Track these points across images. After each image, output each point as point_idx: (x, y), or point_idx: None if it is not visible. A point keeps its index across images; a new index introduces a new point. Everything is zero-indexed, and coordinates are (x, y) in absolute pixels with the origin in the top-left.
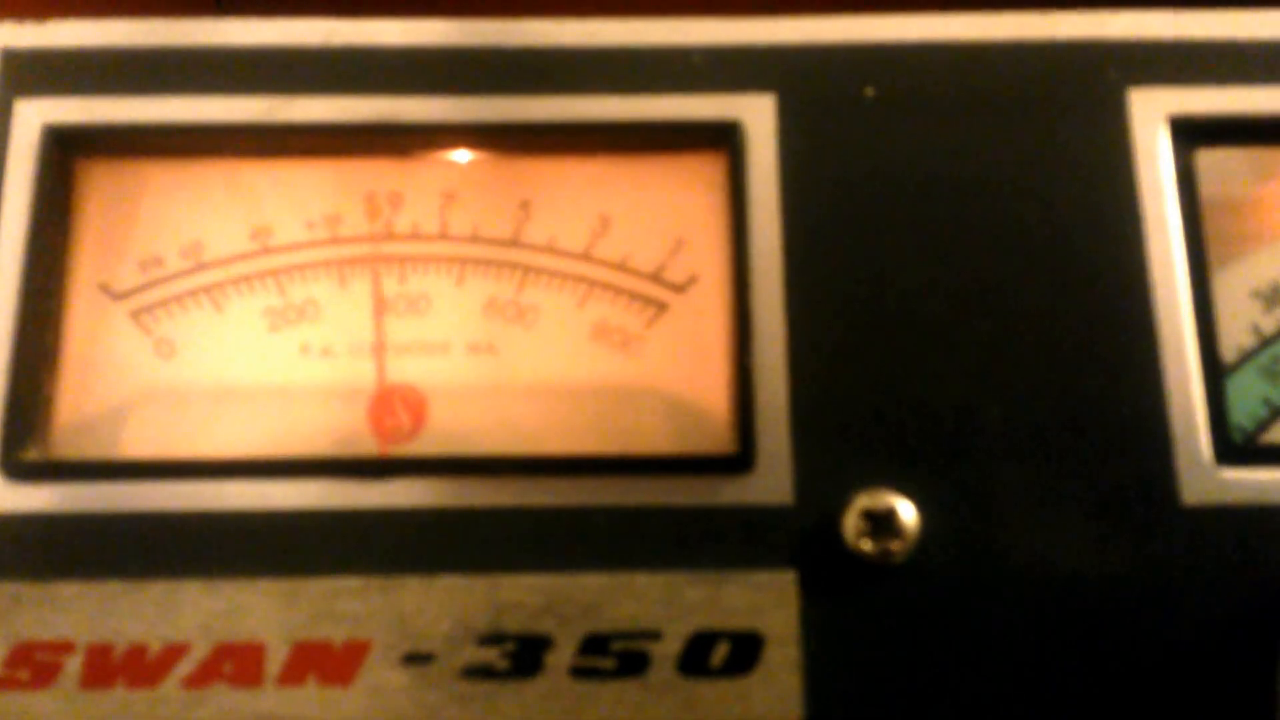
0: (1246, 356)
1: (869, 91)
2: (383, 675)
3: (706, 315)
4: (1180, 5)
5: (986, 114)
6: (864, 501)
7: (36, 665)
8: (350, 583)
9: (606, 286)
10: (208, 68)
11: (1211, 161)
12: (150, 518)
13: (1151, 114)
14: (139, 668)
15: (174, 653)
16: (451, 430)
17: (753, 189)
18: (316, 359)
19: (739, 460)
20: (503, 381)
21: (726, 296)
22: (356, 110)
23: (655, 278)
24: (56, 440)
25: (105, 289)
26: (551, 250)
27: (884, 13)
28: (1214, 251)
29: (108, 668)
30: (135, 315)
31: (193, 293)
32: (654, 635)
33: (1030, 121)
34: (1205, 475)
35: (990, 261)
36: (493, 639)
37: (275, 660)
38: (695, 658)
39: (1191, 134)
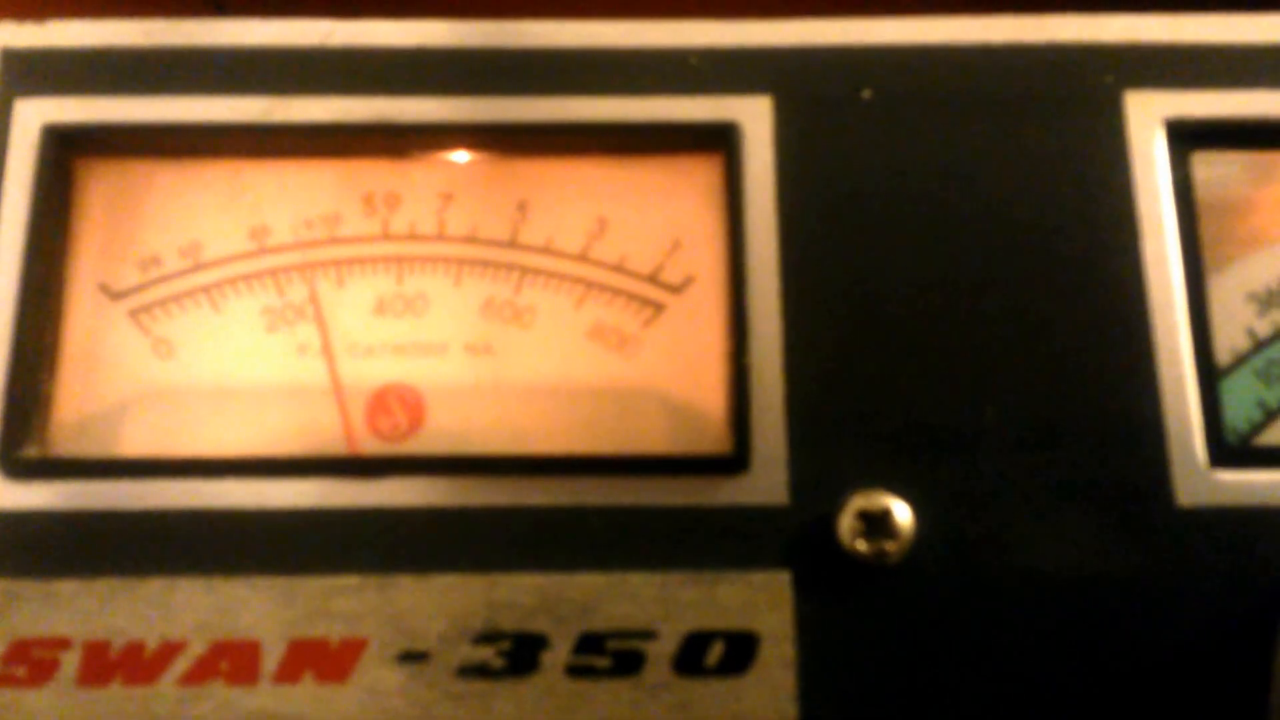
0: (1241, 359)
1: (865, 94)
2: (378, 673)
3: (703, 316)
4: (1176, 9)
5: (983, 117)
6: (859, 502)
7: (34, 662)
8: (346, 581)
9: (603, 287)
10: (207, 68)
11: (1207, 165)
12: (148, 516)
13: (1148, 117)
14: (136, 665)
15: (171, 650)
16: (448, 430)
17: (749, 190)
18: (314, 359)
19: (734, 460)
20: (500, 381)
21: (723, 297)
22: (354, 111)
23: (652, 279)
24: (55, 438)
25: (104, 288)
26: (549, 251)
27: (880, 15)
28: (1209, 254)
29: (105, 665)
30: (134, 314)
31: (191, 292)
32: (649, 635)
33: (1026, 124)
34: (1200, 477)
35: (986, 264)
36: (488, 638)
37: (271, 658)
38: (690, 657)
39: (1187, 137)
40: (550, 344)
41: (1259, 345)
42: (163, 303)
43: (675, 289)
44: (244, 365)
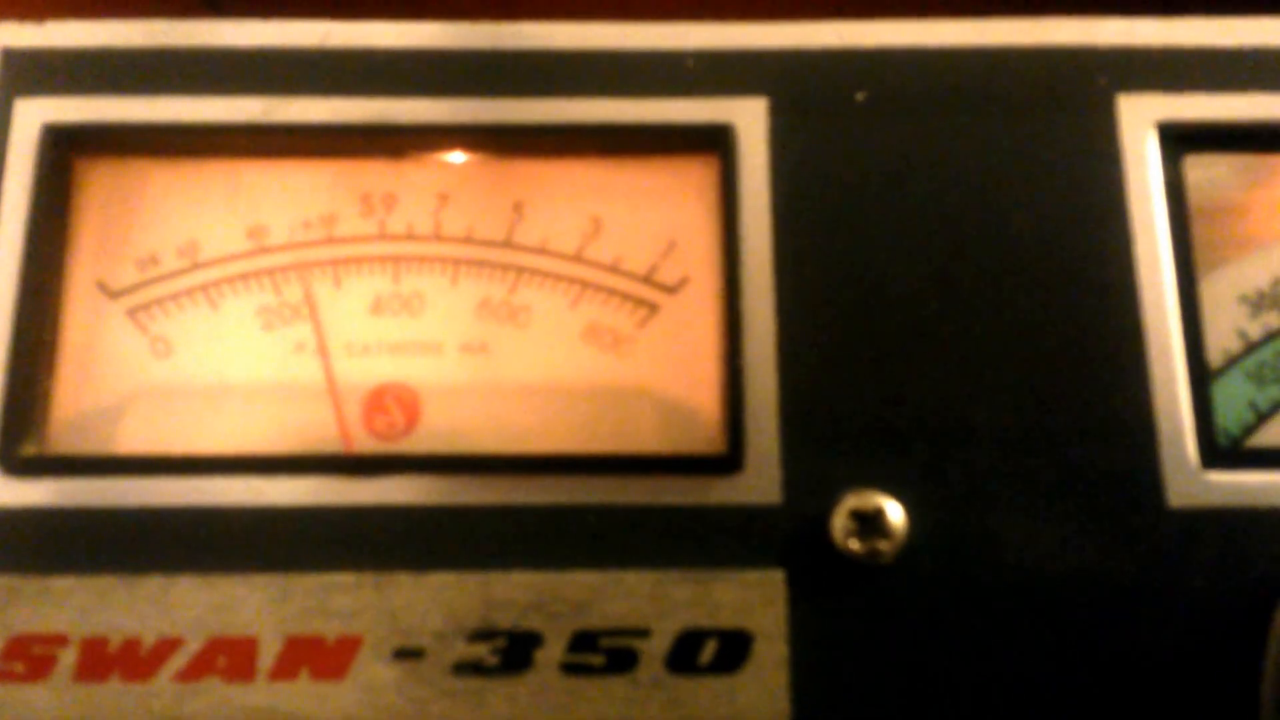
0: (1233, 361)
1: (860, 96)
2: (374, 670)
3: (697, 317)
4: (1169, 12)
5: (977, 119)
6: (852, 502)
7: (31, 658)
8: (343, 578)
9: (599, 288)
10: (205, 68)
11: (1199, 167)
12: (145, 513)
13: (1140, 120)
14: (133, 661)
15: (168, 646)
16: (444, 429)
17: (744, 192)
18: (311, 357)
19: (728, 460)
20: (495, 381)
21: (717, 298)
22: (352, 111)
23: (647, 279)
24: (53, 436)
25: (102, 287)
26: (544, 251)
27: (875, 18)
28: (1201, 257)
29: (102, 661)
30: (132, 313)
31: (189, 291)
32: (643, 633)
33: (1020, 127)
34: (1191, 478)
35: (979, 265)
36: (483, 635)
37: (268, 654)
38: (684, 655)
39: (1180, 140)
40: (545, 344)
41: (1250, 347)
42: (160, 301)
43: (670, 289)
44: (241, 364)
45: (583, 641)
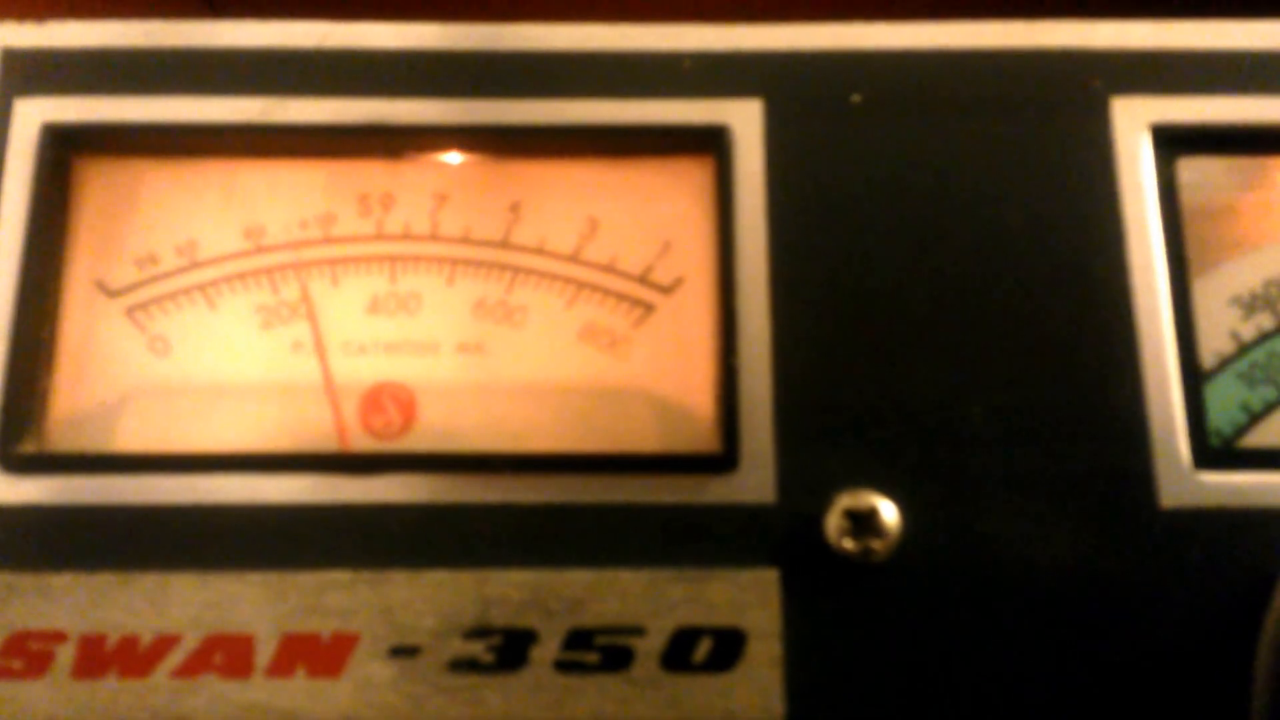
0: (1225, 362)
1: (855, 98)
2: (370, 667)
3: (693, 317)
4: (1163, 16)
5: (971, 121)
6: (846, 501)
7: (30, 654)
8: (339, 576)
9: (594, 288)
10: (204, 69)
11: (1192, 169)
12: (143, 510)
13: (1134, 122)
14: (130, 658)
15: (165, 643)
16: (440, 428)
17: (739, 193)
18: (308, 356)
19: (723, 459)
20: (491, 380)
21: (712, 298)
22: (349, 112)
23: (642, 279)
24: (52, 433)
25: (101, 286)
26: (541, 252)
27: (871, 20)
28: (1194, 259)
29: (100, 658)
30: (130, 312)
31: (187, 290)
32: (638, 631)
33: (1014, 129)
34: (1183, 479)
35: (973, 267)
36: (479, 633)
37: (264, 652)
38: (678, 653)
39: (1173, 143)
40: (541, 343)
41: (1243, 348)
42: (159, 300)
43: (665, 290)
44: (239, 362)
45: (578, 639)
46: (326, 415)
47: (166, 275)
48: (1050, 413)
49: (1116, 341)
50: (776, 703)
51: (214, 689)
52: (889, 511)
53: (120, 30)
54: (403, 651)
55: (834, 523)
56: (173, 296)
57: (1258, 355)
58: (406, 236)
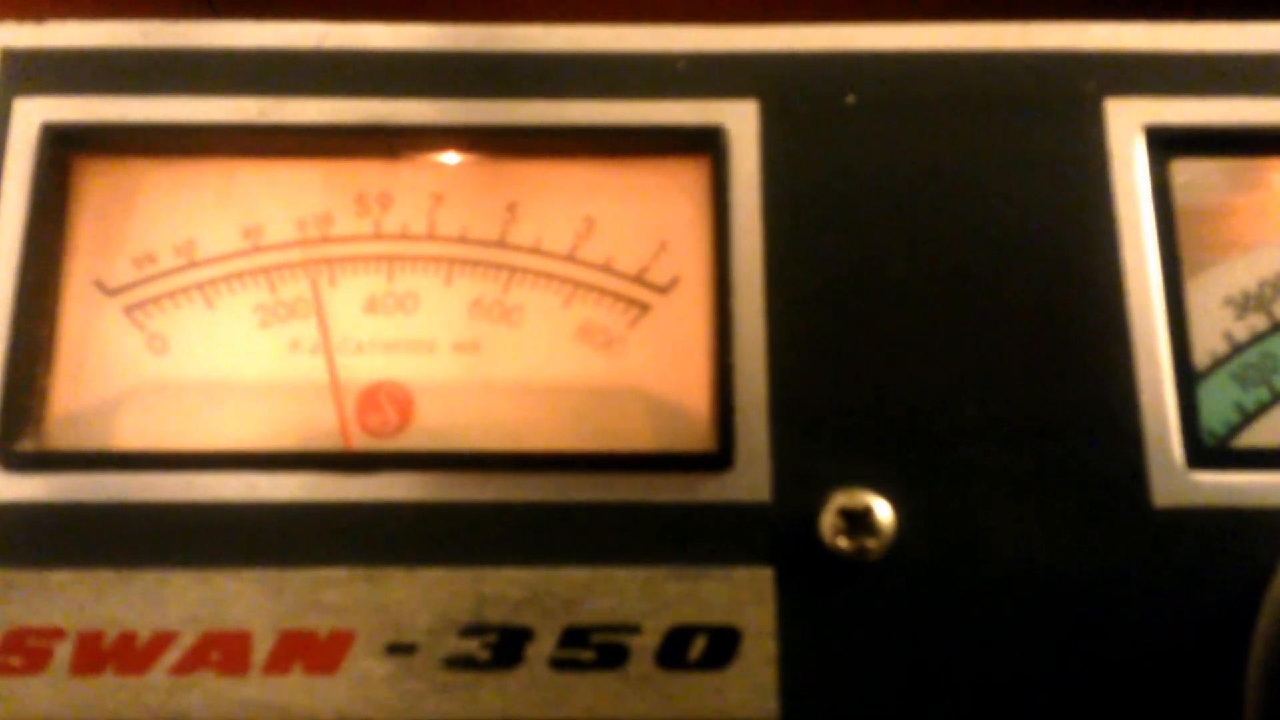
0: (1219, 362)
1: (850, 99)
2: (366, 665)
3: (688, 316)
4: (1157, 18)
5: (965, 122)
6: (841, 500)
7: (28, 651)
8: (336, 574)
9: (591, 287)
10: (202, 69)
11: (1186, 171)
12: (141, 508)
13: (1128, 124)
14: (128, 655)
15: (162, 640)
16: (437, 426)
17: (735, 193)
18: (306, 355)
19: (718, 458)
20: (488, 379)
21: (708, 298)
22: (347, 112)
23: (638, 279)
24: (50, 431)
25: (100, 285)
26: (537, 251)
27: (866, 21)
28: (1188, 259)
29: (97, 654)
30: (129, 311)
31: (185, 289)
32: (633, 629)
33: (1009, 130)
34: (1177, 478)
35: (967, 267)
36: (475, 630)
37: (261, 649)
38: (673, 651)
39: (1167, 144)
40: (538, 342)
41: (1236, 349)
42: (157, 299)
43: (661, 289)
44: (236, 361)
45: (574, 637)
46: (324, 414)
47: (165, 274)
48: (1044, 412)
49: (1110, 341)
50: (771, 701)
51: (211, 686)
52: (883, 510)
53: (119, 30)
54: (399, 649)
55: (829, 521)
56: (171, 295)
57: (1251, 356)
58: (404, 236)
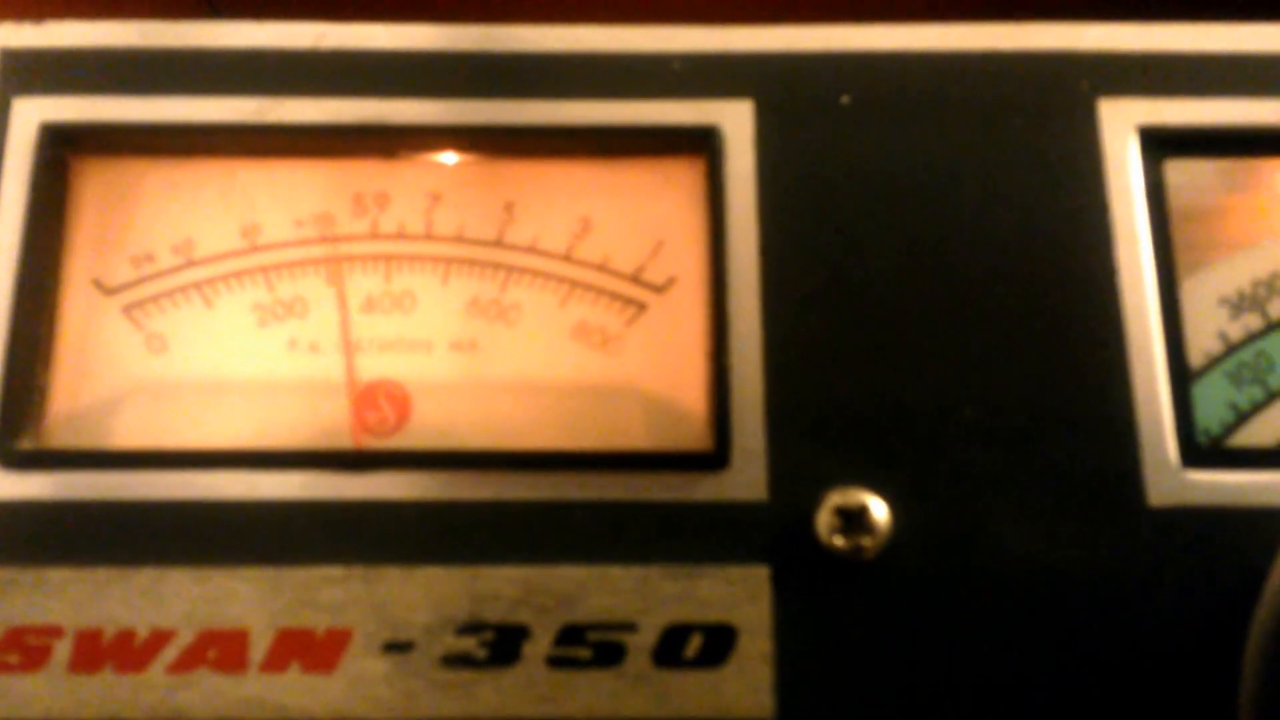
0: (1213, 362)
1: (845, 99)
2: (364, 663)
3: (685, 315)
4: (1151, 18)
5: (960, 122)
6: (836, 498)
7: (27, 648)
8: (333, 572)
9: (587, 287)
10: (200, 69)
11: (1180, 171)
12: (139, 506)
13: (1122, 124)
14: (126, 652)
15: (160, 638)
16: (434, 425)
17: (731, 193)
18: (304, 354)
19: (715, 457)
20: (485, 378)
21: (704, 297)
22: (345, 112)
23: (635, 279)
24: (50, 430)
25: (98, 284)
26: (534, 251)
27: (861, 23)
28: (1182, 260)
29: (96, 652)
30: (127, 310)
31: (183, 288)
32: (629, 627)
33: (1003, 130)
34: (1171, 477)
35: (963, 266)
36: (471, 628)
37: (259, 647)
38: (669, 649)
39: (1161, 144)
40: (535, 342)
41: (1230, 348)
42: (155, 298)
43: (658, 289)
44: (235, 360)
45: (570, 635)
46: (322, 413)
47: (163, 274)
48: (1039, 412)
49: (1105, 341)
50: (766, 698)
51: (209, 683)
52: (879, 509)
53: (118, 30)
54: (396, 647)
55: (824, 520)
56: (169, 295)
57: (1245, 355)
58: (401, 236)
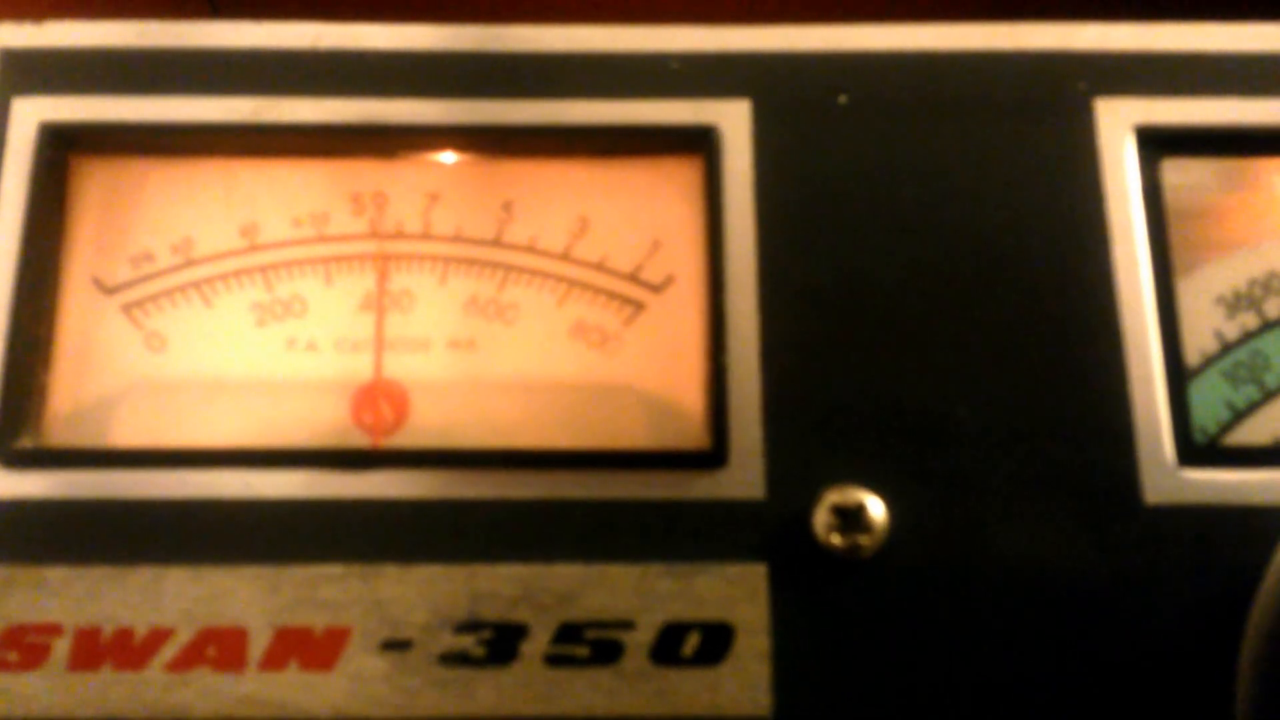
0: (1209, 361)
1: (842, 99)
2: (362, 661)
3: (682, 315)
4: (1147, 18)
5: (957, 122)
6: (834, 497)
7: (26, 647)
8: (331, 570)
9: (585, 286)
10: (199, 69)
11: (1176, 170)
12: (139, 505)
13: (1118, 124)
14: (125, 650)
15: (159, 636)
16: (433, 424)
17: (728, 192)
18: (302, 353)
19: (712, 456)
20: (483, 377)
21: (702, 296)
22: (344, 112)
23: (633, 278)
24: (49, 429)
25: (98, 283)
26: (532, 250)
27: (858, 22)
28: (1178, 259)
29: (95, 650)
30: (127, 309)
31: (183, 288)
32: (627, 625)
33: (999, 130)
34: (1168, 476)
35: (960, 266)
36: (470, 627)
37: (258, 645)
38: (667, 647)
39: (1157, 143)
40: (533, 341)
41: (1227, 348)
42: (155, 298)
43: (655, 288)
44: (234, 359)
45: (568, 633)
46: (321, 411)
47: (163, 273)
48: (1036, 410)
49: (1102, 340)
50: (764, 696)
51: (207, 682)
52: (876, 508)
53: (117, 30)
54: (394, 645)
55: (822, 519)
56: (169, 294)
57: (1241, 354)
58: (400, 235)
